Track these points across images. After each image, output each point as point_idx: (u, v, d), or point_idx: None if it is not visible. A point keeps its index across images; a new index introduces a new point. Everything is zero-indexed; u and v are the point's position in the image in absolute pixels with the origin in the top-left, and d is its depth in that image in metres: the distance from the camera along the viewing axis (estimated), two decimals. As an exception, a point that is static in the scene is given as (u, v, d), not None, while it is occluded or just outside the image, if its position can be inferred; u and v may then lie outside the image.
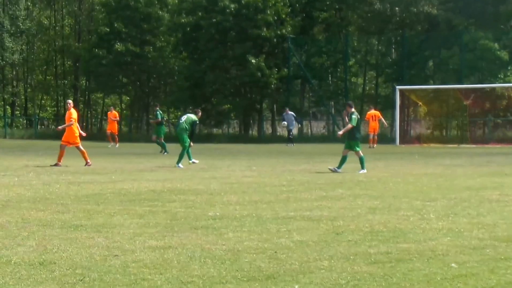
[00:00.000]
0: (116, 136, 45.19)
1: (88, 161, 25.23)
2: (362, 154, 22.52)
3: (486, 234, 10.10)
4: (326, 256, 8.55)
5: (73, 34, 75.90)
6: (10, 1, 70.55)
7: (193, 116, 26.14)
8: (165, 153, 34.24)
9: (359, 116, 23.11)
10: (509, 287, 7.19)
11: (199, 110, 28.03)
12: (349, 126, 22.75)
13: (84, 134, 26.43)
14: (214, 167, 25.00)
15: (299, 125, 49.29)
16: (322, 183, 18.21)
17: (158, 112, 37.78)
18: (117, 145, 43.87)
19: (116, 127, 47.00)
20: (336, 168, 22.32)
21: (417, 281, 7.38)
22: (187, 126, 25.90)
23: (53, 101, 79.50)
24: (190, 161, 25.84)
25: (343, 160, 22.55)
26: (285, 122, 48.18)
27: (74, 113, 25.92)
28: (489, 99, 53.89)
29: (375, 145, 44.35)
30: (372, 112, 46.07)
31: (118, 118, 48.30)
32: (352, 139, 22.74)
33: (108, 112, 48.31)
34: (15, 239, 9.75)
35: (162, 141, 35.65)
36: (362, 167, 22.24)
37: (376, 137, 45.22)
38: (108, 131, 45.94)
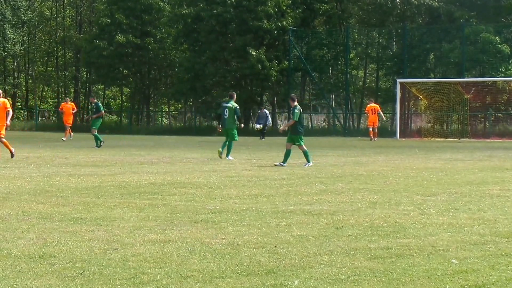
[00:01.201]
0: (70, 128, 42.98)
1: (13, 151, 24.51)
2: (305, 148, 22.26)
3: (487, 230, 10.08)
4: (326, 251, 8.54)
5: (74, 25, 75.92)
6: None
7: (233, 104, 25.94)
8: (99, 146, 33.14)
9: (301, 110, 22.79)
10: (510, 283, 7.17)
11: (233, 92, 27.70)
12: (291, 121, 22.55)
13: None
14: (214, 160, 24.98)
15: (265, 124, 49.82)
16: (322, 177, 18.20)
17: (100, 105, 36.06)
18: (71, 136, 42.32)
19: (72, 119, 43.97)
20: (282, 163, 22.00)
21: (418, 276, 7.37)
22: (234, 117, 25.80)
23: (54, 92, 79.52)
24: (226, 157, 25.13)
25: (287, 154, 22.20)
26: (258, 125, 49.06)
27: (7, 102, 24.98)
28: (490, 92, 53.85)
29: (375, 138, 44.49)
30: (372, 105, 46.32)
31: (76, 110, 46.19)
32: (295, 133, 22.40)
33: (63, 103, 45.63)
34: (15, 232, 9.75)
35: (96, 133, 34.19)
36: (308, 161, 22.00)
37: (376, 130, 45.39)
38: (67, 124, 42.79)
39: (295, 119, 22.42)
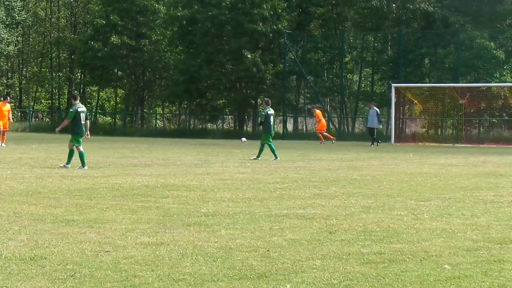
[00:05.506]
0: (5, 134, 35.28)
1: None
2: (82, 150, 21.50)
3: (480, 236, 10.06)
4: (318, 255, 8.52)
5: (69, 26, 75.79)
6: (6, -9, 70.47)
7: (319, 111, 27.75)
8: None
9: (78, 110, 21.83)
10: (503, 290, 7.16)
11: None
12: (65, 122, 22.02)
13: None
14: (208, 163, 24.95)
15: (379, 125, 46.08)
16: (316, 181, 18.18)
17: None
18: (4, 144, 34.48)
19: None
20: (66, 164, 21.34)
21: (410, 282, 7.35)
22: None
23: (47, 93, 79.35)
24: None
25: (70, 154, 21.56)
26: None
27: None
28: (485, 98, 53.85)
29: (323, 142, 45.10)
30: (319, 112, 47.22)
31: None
32: (72, 134, 21.68)
33: (0, 103, 35.56)
34: (6, 233, 9.71)
35: None
36: (83, 164, 21.24)
37: (320, 134, 46.20)
38: (5, 129, 35.06)
39: (70, 118, 21.77)
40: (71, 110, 22.20)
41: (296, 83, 63.96)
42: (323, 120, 46.65)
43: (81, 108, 22.12)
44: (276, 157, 26.75)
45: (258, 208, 12.66)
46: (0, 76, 74.45)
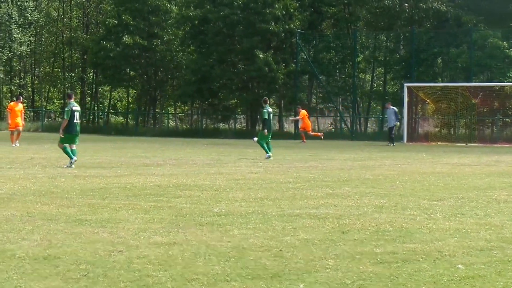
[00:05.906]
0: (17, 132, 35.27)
1: None
2: (62, 147, 21.64)
3: (493, 235, 10.01)
4: (331, 255, 8.49)
5: (81, 26, 76.00)
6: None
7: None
8: None
9: (73, 109, 21.94)
10: (517, 290, 7.12)
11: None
12: (64, 122, 22.05)
13: None
14: (220, 162, 24.95)
15: (398, 123, 45.93)
16: (328, 181, 18.15)
17: None
18: (17, 143, 34.45)
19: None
20: (71, 163, 21.31)
21: (423, 282, 7.32)
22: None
23: (60, 93, 79.56)
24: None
25: (70, 152, 21.54)
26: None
27: None
28: (498, 97, 53.73)
29: (321, 135, 46.60)
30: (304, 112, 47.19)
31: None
32: (67, 132, 21.81)
33: (12, 103, 36.85)
34: (20, 233, 9.71)
35: None
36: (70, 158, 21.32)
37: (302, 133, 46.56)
38: (20, 128, 35.45)
39: (66, 117, 21.85)
40: (66, 109, 22.29)
41: (308, 83, 63.96)
42: (307, 120, 46.59)
43: (76, 107, 22.28)
44: (267, 152, 27.10)
45: (270, 207, 12.64)
46: (13, 76, 74.69)
